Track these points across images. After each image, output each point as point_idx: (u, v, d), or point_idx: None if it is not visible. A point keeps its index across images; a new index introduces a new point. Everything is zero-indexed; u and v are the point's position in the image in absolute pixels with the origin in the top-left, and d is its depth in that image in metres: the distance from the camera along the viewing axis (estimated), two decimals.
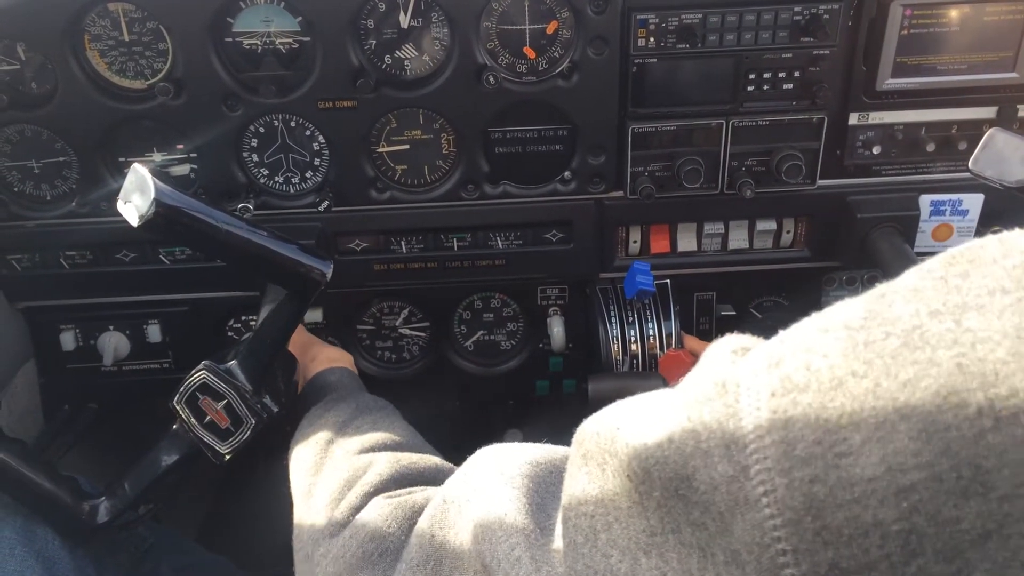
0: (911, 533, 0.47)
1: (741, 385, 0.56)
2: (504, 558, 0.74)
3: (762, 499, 0.52)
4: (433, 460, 1.16)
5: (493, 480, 0.83)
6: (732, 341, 0.67)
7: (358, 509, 1.04)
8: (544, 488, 0.82)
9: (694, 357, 1.63)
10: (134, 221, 1.20)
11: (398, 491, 1.06)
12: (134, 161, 1.63)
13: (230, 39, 1.55)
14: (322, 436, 1.27)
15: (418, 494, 1.02)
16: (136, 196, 1.20)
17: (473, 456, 0.93)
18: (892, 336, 0.51)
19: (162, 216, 1.19)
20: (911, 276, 0.55)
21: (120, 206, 1.22)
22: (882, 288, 0.55)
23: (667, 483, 0.58)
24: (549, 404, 1.98)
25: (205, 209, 1.27)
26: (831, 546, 0.49)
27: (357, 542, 0.98)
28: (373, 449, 1.21)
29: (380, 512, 1.00)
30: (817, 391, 0.52)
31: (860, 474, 0.49)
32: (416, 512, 0.97)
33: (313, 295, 1.39)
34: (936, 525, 0.47)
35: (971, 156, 1.31)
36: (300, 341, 1.57)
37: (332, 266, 1.37)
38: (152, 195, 1.18)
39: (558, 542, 0.73)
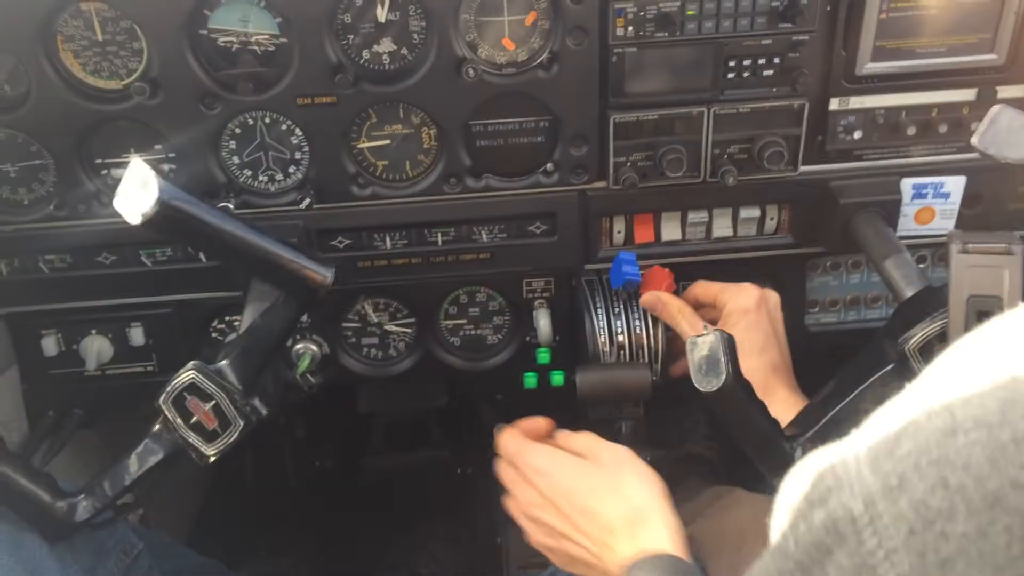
0: None
1: None
2: None
3: None
4: None
5: None
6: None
7: None
8: None
9: (672, 275, 1.68)
10: (135, 219, 1.16)
11: None
12: (111, 163, 1.62)
13: (204, 31, 1.52)
14: None
15: None
16: (137, 193, 1.16)
17: None
18: None
19: (164, 215, 1.15)
20: None
21: (117, 203, 1.17)
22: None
23: None
24: (537, 397, 1.97)
25: (208, 208, 1.24)
26: None
27: None
28: None
29: None
30: None
31: None
32: None
33: (315, 299, 1.36)
34: None
35: (975, 133, 1.29)
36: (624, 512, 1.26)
37: (335, 270, 1.35)
38: (156, 193, 1.14)
39: None
